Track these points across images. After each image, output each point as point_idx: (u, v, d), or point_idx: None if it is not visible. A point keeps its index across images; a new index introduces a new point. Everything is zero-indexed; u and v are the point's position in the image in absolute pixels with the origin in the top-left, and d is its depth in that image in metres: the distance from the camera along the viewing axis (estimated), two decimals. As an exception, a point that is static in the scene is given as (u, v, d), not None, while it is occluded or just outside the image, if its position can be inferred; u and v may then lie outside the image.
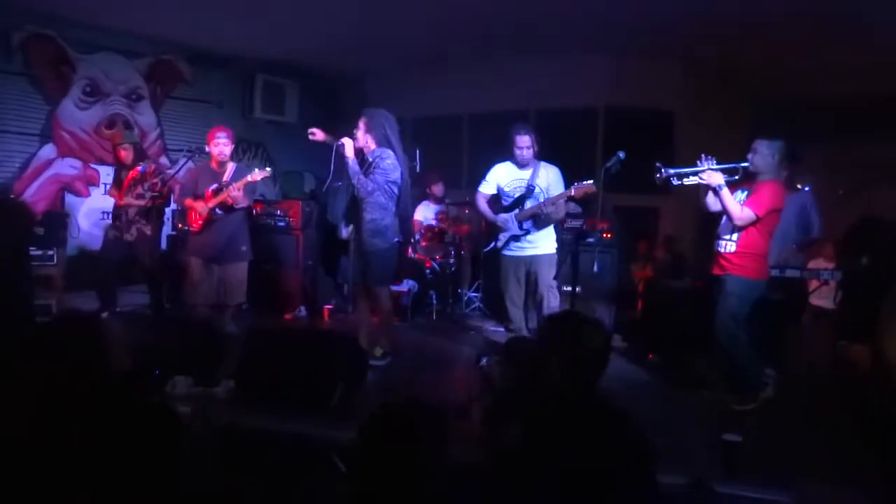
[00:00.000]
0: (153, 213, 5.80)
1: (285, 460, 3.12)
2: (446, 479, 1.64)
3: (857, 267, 5.33)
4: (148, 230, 5.81)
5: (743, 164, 4.24)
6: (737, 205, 4.18)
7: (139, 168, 5.86)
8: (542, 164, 5.02)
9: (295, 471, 3.05)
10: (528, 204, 4.98)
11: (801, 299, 5.95)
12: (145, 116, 8.15)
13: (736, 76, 8.04)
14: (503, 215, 5.05)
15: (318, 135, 4.85)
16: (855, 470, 3.27)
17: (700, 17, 6.06)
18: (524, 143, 4.93)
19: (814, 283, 5.81)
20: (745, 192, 4.27)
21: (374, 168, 4.65)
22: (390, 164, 4.66)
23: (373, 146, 4.72)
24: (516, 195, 5.03)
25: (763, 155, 4.19)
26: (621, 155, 4.50)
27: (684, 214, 7.61)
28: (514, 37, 7.09)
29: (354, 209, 4.81)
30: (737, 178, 4.28)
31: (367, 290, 4.91)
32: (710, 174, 4.22)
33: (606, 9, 6.10)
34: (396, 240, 4.88)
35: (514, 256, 5.06)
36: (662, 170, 4.31)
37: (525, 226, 4.97)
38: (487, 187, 5.16)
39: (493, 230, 5.21)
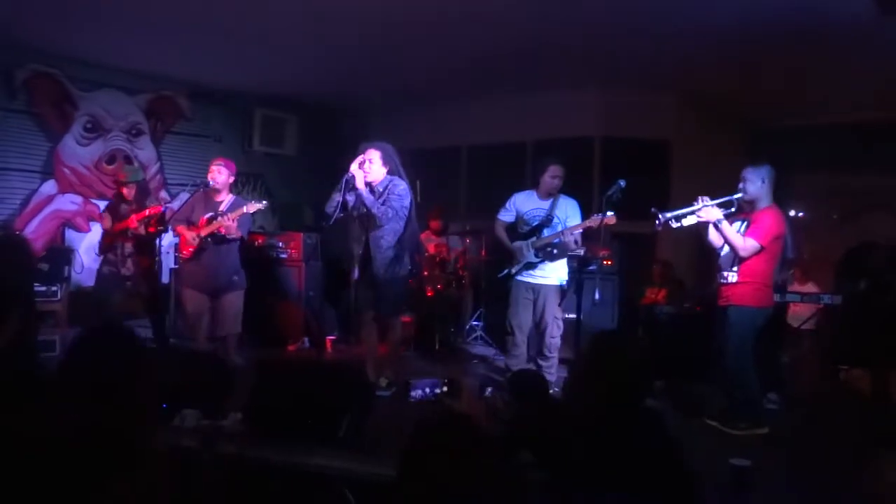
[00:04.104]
0: (147, 245, 5.79)
1: (294, 493, 3.12)
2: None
3: (854, 291, 5.38)
4: (144, 262, 5.79)
5: (736, 196, 4.30)
6: (739, 236, 4.22)
7: (163, 207, 5.79)
8: (562, 196, 5.19)
9: (303, 503, 3.05)
10: (546, 233, 5.10)
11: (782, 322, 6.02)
12: (145, 151, 8.21)
13: (731, 106, 8.17)
14: (519, 242, 5.18)
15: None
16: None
17: (693, 50, 6.19)
18: (559, 172, 5.12)
19: (800, 308, 5.91)
20: (745, 223, 4.32)
21: (389, 195, 4.76)
22: (403, 191, 4.81)
23: (382, 177, 4.81)
24: (534, 223, 5.17)
25: (752, 181, 4.26)
26: (622, 183, 4.59)
27: (680, 240, 7.68)
28: (512, 72, 7.22)
29: (363, 239, 4.87)
30: (733, 209, 4.34)
31: (381, 319, 4.96)
32: (707, 211, 4.26)
33: (600, 44, 6.23)
34: (410, 267, 4.97)
35: (525, 282, 5.16)
36: (660, 215, 4.34)
37: (540, 254, 5.07)
38: (507, 215, 5.32)
39: (507, 256, 5.32)
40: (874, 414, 4.61)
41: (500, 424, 3.94)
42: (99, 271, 5.96)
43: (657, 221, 4.33)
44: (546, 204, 5.17)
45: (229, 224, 5.21)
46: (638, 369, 2.18)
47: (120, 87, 7.87)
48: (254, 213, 5.33)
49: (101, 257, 5.95)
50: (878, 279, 5.22)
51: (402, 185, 4.83)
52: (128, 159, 7.90)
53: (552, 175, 5.10)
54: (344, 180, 4.75)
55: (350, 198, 4.83)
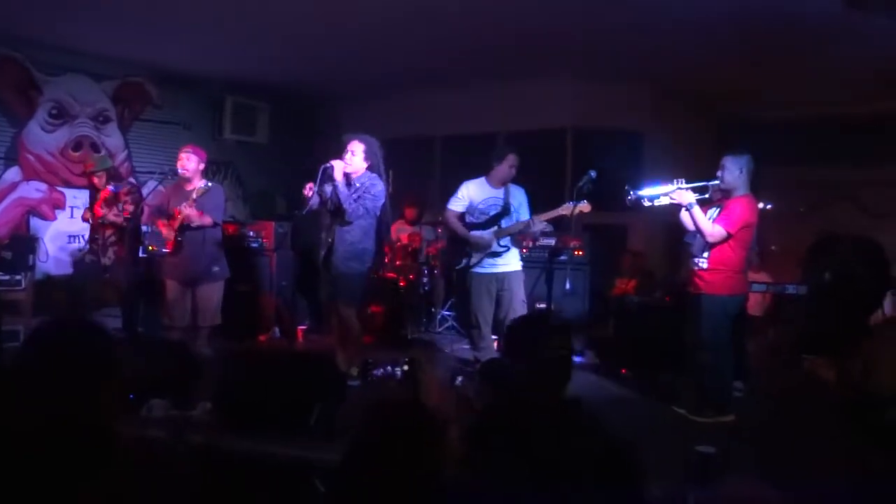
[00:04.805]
0: (128, 236, 5.73)
1: (264, 483, 3.10)
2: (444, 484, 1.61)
3: (819, 282, 5.49)
4: (121, 251, 5.74)
5: (713, 182, 4.35)
6: (708, 222, 4.27)
7: (110, 188, 5.78)
8: (511, 184, 5.13)
9: (274, 493, 3.04)
10: (504, 222, 5.04)
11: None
12: (113, 138, 8.07)
13: (703, 98, 8.27)
14: (480, 232, 5.06)
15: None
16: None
17: (667, 42, 6.24)
18: (517, 162, 5.03)
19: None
20: (719, 210, 4.37)
21: (364, 193, 4.73)
22: (379, 192, 4.78)
23: (362, 171, 4.79)
24: (491, 213, 5.08)
25: (730, 170, 4.30)
26: (592, 174, 4.61)
27: (652, 231, 7.76)
28: (486, 62, 7.22)
29: (332, 230, 4.86)
30: (707, 196, 4.40)
31: (336, 310, 4.96)
32: (681, 193, 4.30)
33: (574, 35, 6.26)
34: (370, 264, 4.96)
35: (486, 273, 5.06)
36: (632, 192, 4.40)
37: (503, 242, 5.03)
38: (459, 204, 5.16)
39: (461, 247, 5.17)
40: (838, 401, 4.71)
41: (471, 414, 3.96)
42: (81, 260, 5.92)
43: (628, 197, 4.38)
44: (500, 193, 5.08)
45: (188, 212, 5.14)
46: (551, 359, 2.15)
47: (86, 72, 7.72)
48: (202, 196, 5.21)
49: (88, 247, 5.93)
50: (842, 270, 5.33)
51: (379, 185, 4.79)
52: (94, 146, 7.77)
53: (511, 165, 5.01)
54: (321, 169, 4.70)
55: (327, 188, 4.81)
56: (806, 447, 3.90)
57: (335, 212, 4.81)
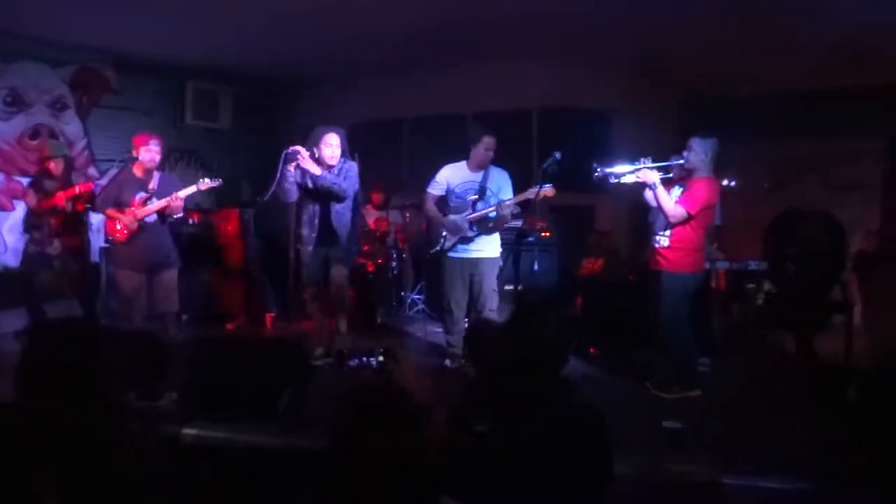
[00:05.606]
0: (76, 224, 5.60)
1: (233, 470, 3.09)
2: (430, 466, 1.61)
3: (782, 256, 5.59)
4: (74, 241, 5.61)
5: (678, 162, 4.42)
6: (670, 202, 4.34)
7: (76, 189, 5.63)
8: (493, 168, 5.11)
9: (246, 481, 3.02)
10: (480, 206, 5.03)
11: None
12: (71, 126, 7.87)
13: (668, 77, 8.31)
14: (453, 217, 5.06)
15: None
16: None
17: (631, 20, 6.26)
18: (493, 144, 5.01)
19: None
20: (682, 188, 4.44)
21: (346, 173, 4.94)
22: (356, 173, 5.00)
23: (337, 160, 4.95)
24: (468, 197, 5.07)
25: (696, 152, 4.37)
26: (557, 155, 4.64)
27: (619, 211, 7.82)
28: (452, 42, 7.17)
29: (317, 216, 5.01)
30: (671, 175, 4.46)
31: (337, 291, 5.10)
32: (646, 172, 4.38)
33: (540, 14, 6.24)
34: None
35: (460, 258, 5.07)
36: (598, 168, 4.46)
37: (476, 227, 5.01)
38: (437, 188, 5.17)
39: (436, 232, 5.18)
40: (801, 376, 4.82)
41: (471, 391, 3.96)
42: (25, 251, 5.74)
43: (595, 174, 4.45)
44: (478, 176, 5.07)
45: (178, 204, 5.09)
46: (556, 335, 2.18)
47: (42, 58, 7.50)
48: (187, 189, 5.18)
49: (27, 236, 5.72)
50: (802, 245, 5.44)
51: (355, 167, 5.02)
52: (52, 134, 7.56)
53: (486, 147, 4.98)
54: (284, 155, 4.78)
55: (296, 175, 4.90)
56: (771, 421, 3.98)
57: (323, 196, 4.94)
